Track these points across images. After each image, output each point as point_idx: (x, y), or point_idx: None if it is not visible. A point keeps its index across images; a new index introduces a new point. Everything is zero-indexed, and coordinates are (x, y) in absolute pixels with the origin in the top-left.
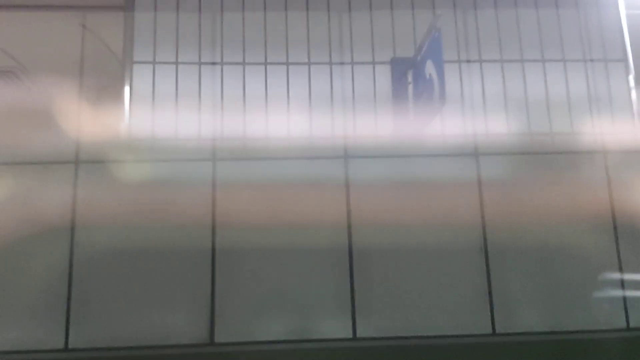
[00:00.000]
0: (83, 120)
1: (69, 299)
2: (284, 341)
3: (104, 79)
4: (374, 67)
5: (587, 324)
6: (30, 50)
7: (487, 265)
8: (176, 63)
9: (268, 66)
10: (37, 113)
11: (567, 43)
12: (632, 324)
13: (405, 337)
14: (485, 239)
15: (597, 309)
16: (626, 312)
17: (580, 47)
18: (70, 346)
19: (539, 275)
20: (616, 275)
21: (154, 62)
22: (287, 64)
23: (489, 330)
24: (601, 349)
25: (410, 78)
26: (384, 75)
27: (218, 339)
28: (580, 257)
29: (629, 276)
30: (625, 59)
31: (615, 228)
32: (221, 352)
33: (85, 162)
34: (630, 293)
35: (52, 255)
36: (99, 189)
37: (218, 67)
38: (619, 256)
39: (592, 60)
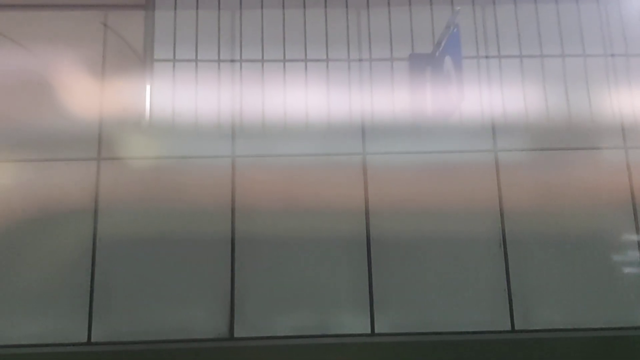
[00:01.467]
0: (104, 117)
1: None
2: (303, 336)
3: (125, 76)
4: (392, 64)
5: (609, 321)
6: (52, 48)
7: (506, 260)
8: (196, 60)
9: (286, 63)
10: (58, 109)
11: (588, 38)
12: None
13: (424, 333)
14: (504, 236)
15: (619, 305)
16: None
17: (601, 42)
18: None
19: (558, 270)
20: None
21: (174, 60)
22: (306, 60)
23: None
24: (624, 346)
25: (428, 74)
26: (402, 71)
27: (238, 333)
28: (602, 253)
29: None
30: None
31: (637, 221)
32: (240, 347)
33: (107, 158)
34: None
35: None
36: (120, 184)
37: (237, 64)
38: None
39: (613, 55)
